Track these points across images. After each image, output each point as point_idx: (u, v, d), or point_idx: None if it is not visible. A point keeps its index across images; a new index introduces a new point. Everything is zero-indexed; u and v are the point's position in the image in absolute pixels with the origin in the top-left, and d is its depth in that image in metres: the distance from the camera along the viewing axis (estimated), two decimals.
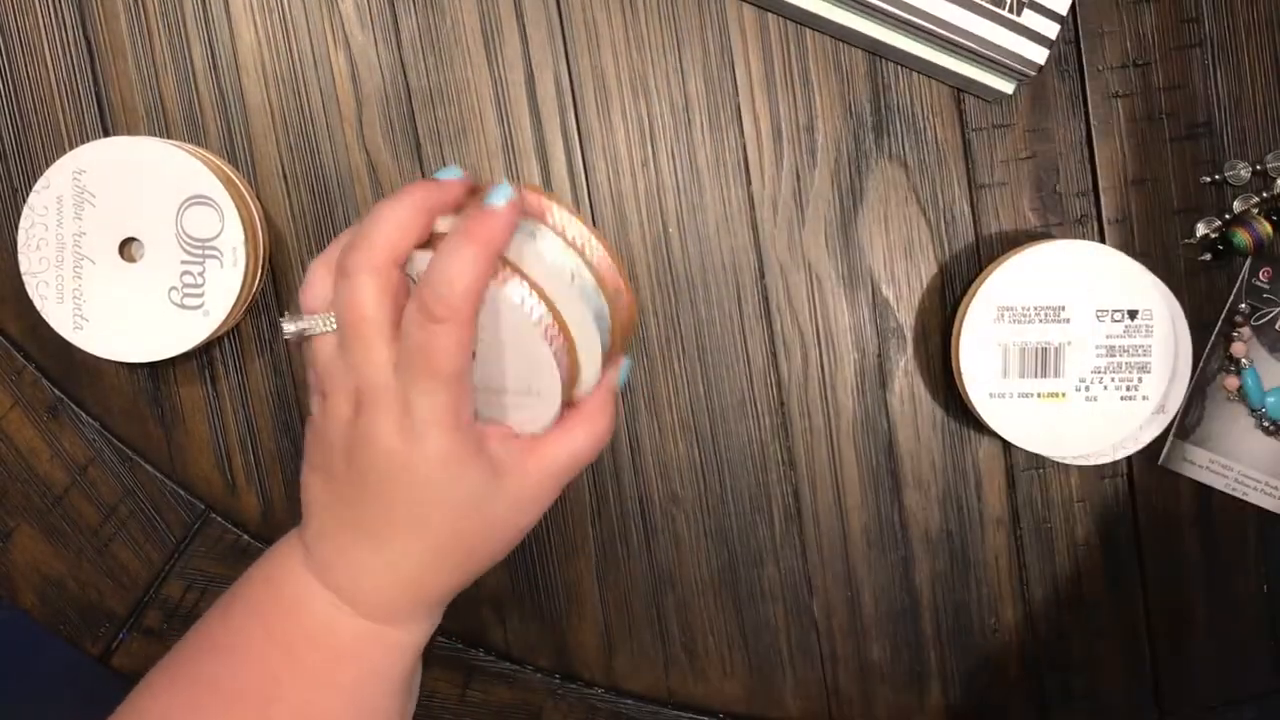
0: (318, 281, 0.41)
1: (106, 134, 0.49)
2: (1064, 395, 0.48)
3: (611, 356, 0.43)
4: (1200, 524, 0.52)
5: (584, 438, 0.43)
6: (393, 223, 0.39)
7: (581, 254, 0.41)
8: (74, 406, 0.50)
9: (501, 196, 0.40)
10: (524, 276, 0.40)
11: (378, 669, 0.41)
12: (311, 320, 0.41)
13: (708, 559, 0.52)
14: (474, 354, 0.40)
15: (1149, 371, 0.48)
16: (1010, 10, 0.46)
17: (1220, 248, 0.50)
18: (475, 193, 0.41)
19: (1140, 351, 0.48)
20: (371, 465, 0.39)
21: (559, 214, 0.41)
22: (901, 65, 0.50)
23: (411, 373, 0.38)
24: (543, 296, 0.41)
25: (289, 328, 0.41)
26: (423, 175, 0.50)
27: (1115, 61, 0.50)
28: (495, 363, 0.42)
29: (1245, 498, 0.51)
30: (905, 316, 0.51)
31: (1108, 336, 0.48)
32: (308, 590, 0.41)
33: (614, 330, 0.43)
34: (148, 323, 0.46)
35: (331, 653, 0.40)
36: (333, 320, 0.40)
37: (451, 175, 0.40)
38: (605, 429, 0.44)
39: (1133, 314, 0.48)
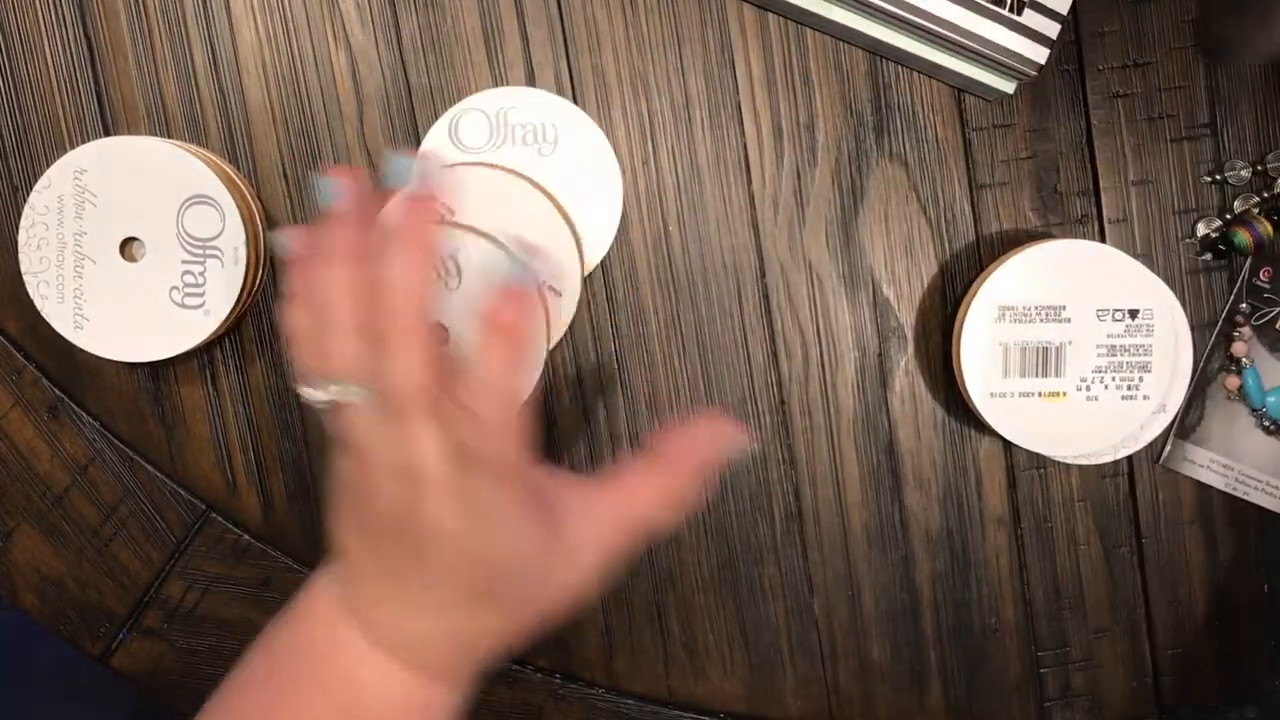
0: (346, 342, 0.37)
1: (107, 133, 0.49)
2: (1065, 395, 0.48)
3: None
4: (1201, 523, 0.52)
5: (645, 502, 0.39)
6: (415, 279, 0.36)
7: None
8: (74, 406, 0.50)
9: (404, 165, 0.37)
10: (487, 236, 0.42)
11: None
12: (342, 388, 0.37)
13: (708, 558, 0.52)
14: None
15: (1150, 371, 0.48)
16: (1011, 10, 0.46)
17: (1221, 247, 0.50)
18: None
19: (1141, 351, 0.48)
20: (430, 543, 0.36)
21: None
22: (902, 64, 0.50)
23: (474, 466, 0.36)
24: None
25: (315, 396, 0.37)
26: None
27: (1116, 61, 0.50)
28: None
29: (1246, 497, 0.51)
30: (906, 315, 0.51)
31: (1108, 336, 0.48)
32: (356, 651, 0.38)
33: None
34: (148, 322, 0.46)
35: (387, 713, 0.38)
36: (363, 390, 0.36)
37: (403, 166, 0.37)
38: (683, 499, 0.39)
39: (1133, 313, 0.48)
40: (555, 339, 0.46)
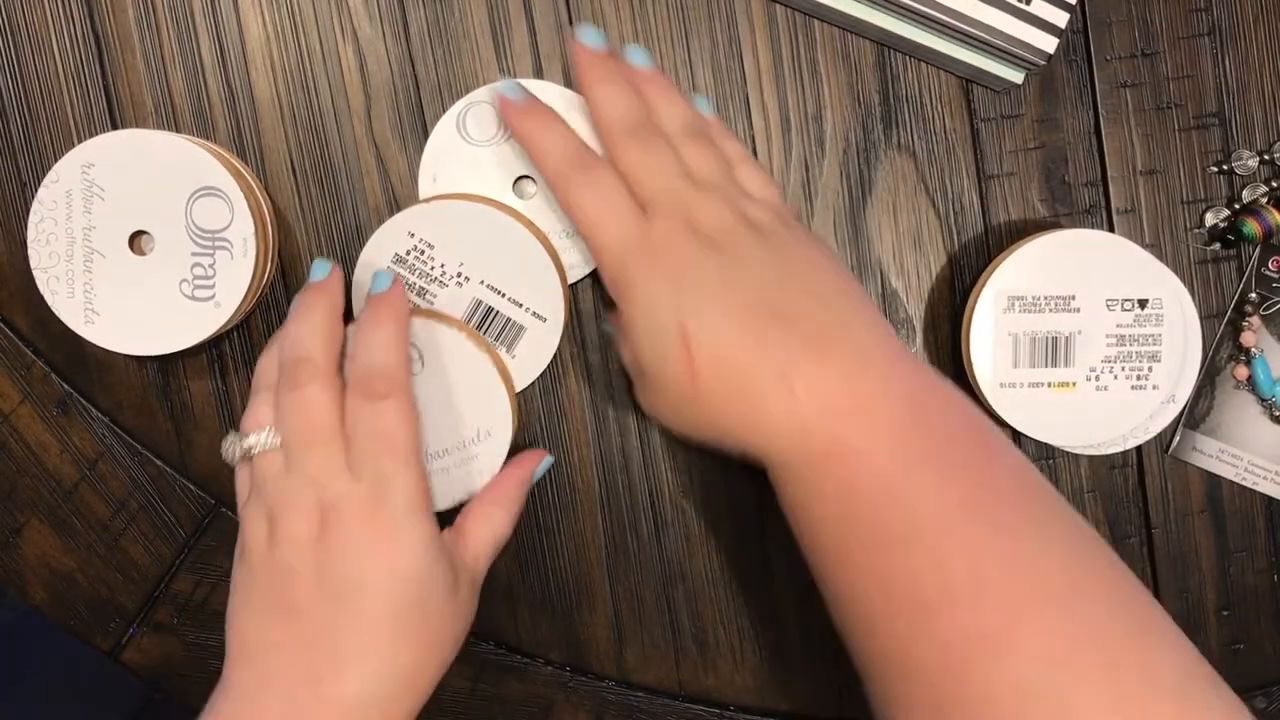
0: (261, 405, 0.42)
1: (115, 128, 0.49)
2: (1074, 385, 0.48)
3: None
4: (1210, 513, 0.52)
5: (503, 518, 0.44)
6: (321, 332, 0.41)
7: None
8: (83, 401, 0.50)
9: (385, 279, 0.43)
10: (450, 319, 0.44)
11: None
12: (257, 436, 0.41)
13: (718, 551, 0.51)
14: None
15: (1159, 361, 0.48)
16: None
17: (1229, 237, 0.50)
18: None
19: (1150, 341, 0.48)
20: (351, 578, 0.38)
21: None
22: (910, 55, 0.50)
23: (373, 461, 0.39)
24: (470, 334, 0.44)
25: (230, 449, 0.42)
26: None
27: (1124, 51, 0.50)
28: (447, 415, 0.44)
29: (1255, 487, 0.51)
30: (914, 307, 0.51)
31: (1118, 326, 0.48)
32: None
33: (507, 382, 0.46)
34: (159, 315, 0.46)
35: None
36: (278, 436, 0.40)
37: (324, 271, 0.43)
38: (519, 509, 0.45)
39: (1143, 303, 0.48)
40: (543, 364, 0.48)
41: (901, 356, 0.39)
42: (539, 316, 0.47)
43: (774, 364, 0.37)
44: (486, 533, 0.44)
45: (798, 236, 0.42)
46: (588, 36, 0.44)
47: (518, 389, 0.47)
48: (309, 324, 0.41)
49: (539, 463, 0.47)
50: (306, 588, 0.38)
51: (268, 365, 0.43)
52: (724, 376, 0.38)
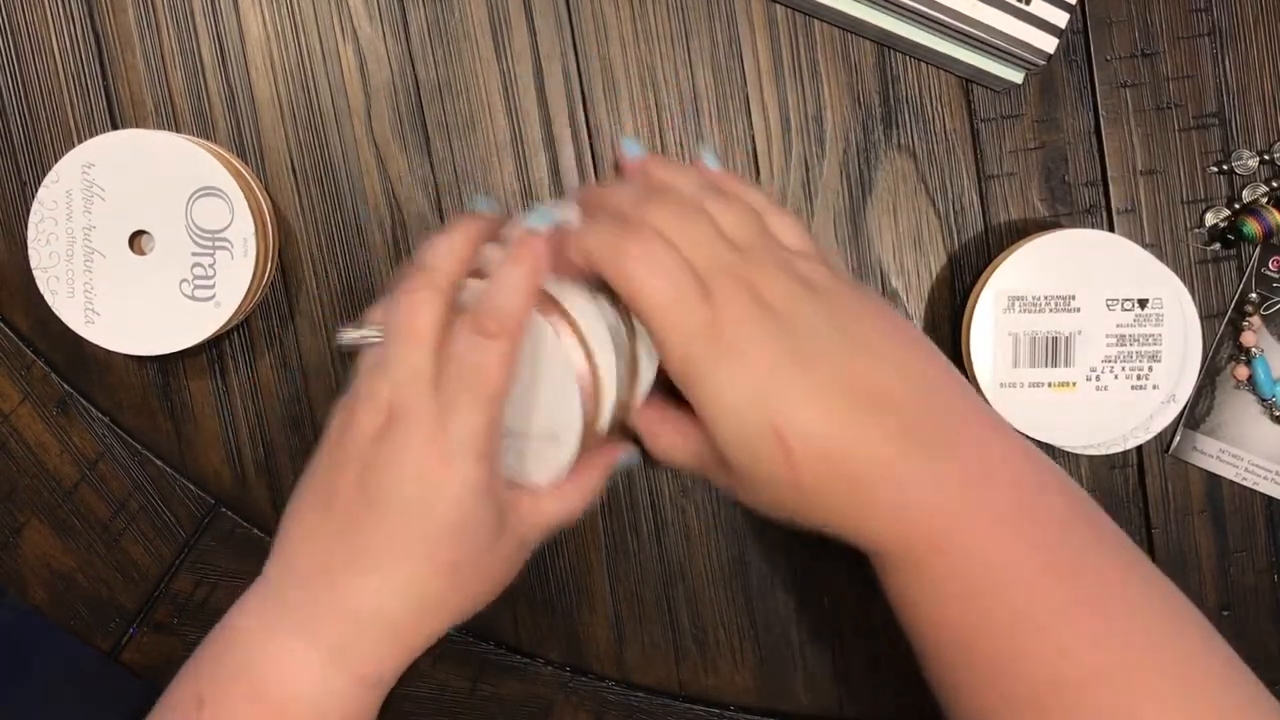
0: (382, 307, 0.41)
1: (115, 128, 0.49)
2: (1074, 385, 0.48)
3: (621, 417, 0.43)
4: (1210, 513, 0.52)
5: (577, 501, 0.43)
6: (447, 248, 0.40)
7: (620, 310, 0.41)
8: (83, 401, 0.50)
9: (542, 219, 0.41)
10: (565, 314, 0.40)
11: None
12: (369, 330, 0.40)
13: (718, 551, 0.52)
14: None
15: (1159, 360, 0.48)
16: None
17: (1229, 237, 0.50)
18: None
19: (1150, 340, 0.48)
20: (390, 486, 0.38)
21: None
22: (910, 55, 0.50)
23: (455, 390, 0.38)
24: (580, 338, 0.41)
25: (345, 336, 0.41)
26: (430, 169, 0.50)
27: (1124, 51, 0.50)
28: (524, 400, 0.41)
29: (1256, 487, 0.51)
30: (915, 307, 0.51)
31: (1118, 325, 0.48)
32: (292, 660, 0.38)
33: (629, 390, 0.42)
34: (160, 315, 0.46)
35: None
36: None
37: (486, 206, 0.42)
38: (594, 497, 0.44)
39: (1143, 303, 0.48)
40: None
41: (995, 431, 0.39)
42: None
43: (874, 454, 0.37)
44: (554, 507, 0.42)
45: (851, 289, 0.41)
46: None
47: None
48: (447, 242, 0.40)
49: (622, 455, 0.45)
50: (349, 482, 0.38)
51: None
52: (826, 472, 0.37)
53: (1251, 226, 0.50)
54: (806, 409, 0.37)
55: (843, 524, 0.38)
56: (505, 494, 0.40)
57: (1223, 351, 0.51)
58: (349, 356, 0.44)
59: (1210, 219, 0.51)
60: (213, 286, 0.46)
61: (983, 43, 0.47)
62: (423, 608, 0.39)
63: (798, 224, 0.43)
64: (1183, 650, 0.36)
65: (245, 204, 0.46)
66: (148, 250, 0.47)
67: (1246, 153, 0.50)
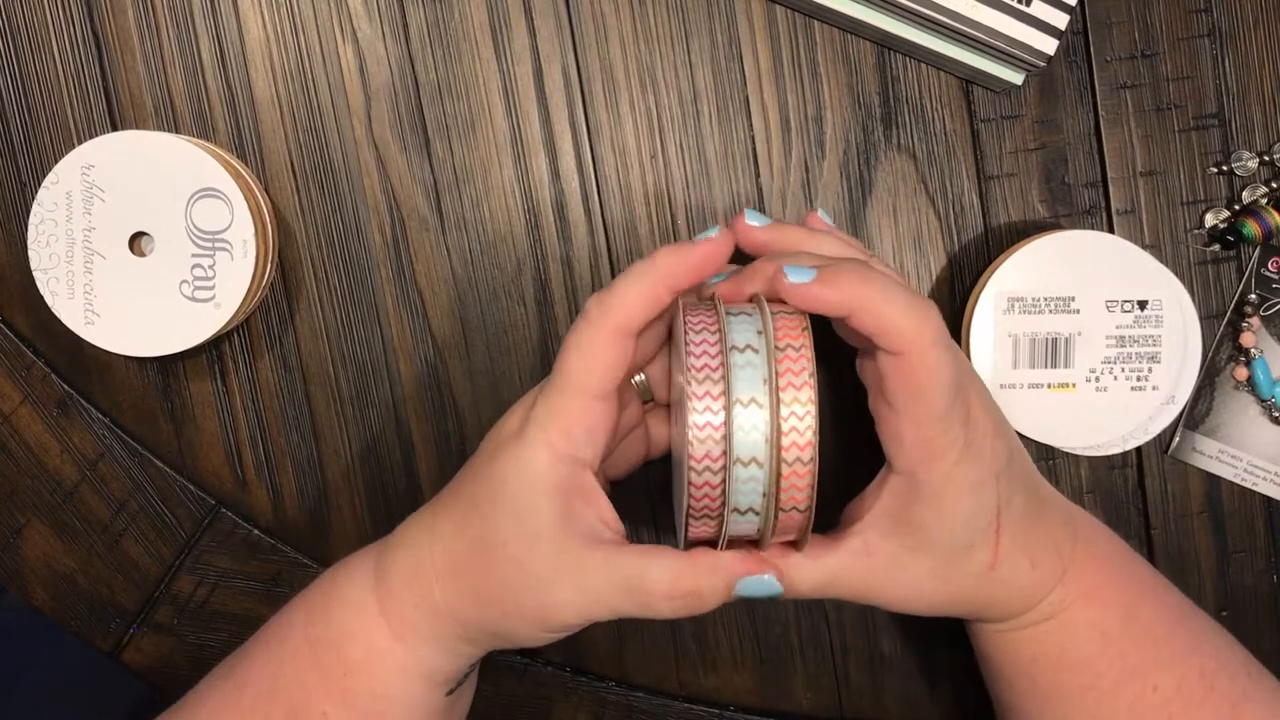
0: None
1: (114, 129, 0.49)
2: (1074, 386, 0.48)
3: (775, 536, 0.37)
4: (1210, 514, 0.52)
5: (659, 574, 0.36)
6: (635, 290, 0.36)
7: (780, 422, 0.35)
8: (83, 402, 0.50)
9: (711, 233, 0.37)
10: (725, 399, 0.35)
11: (387, 685, 0.40)
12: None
13: None
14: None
15: (1159, 362, 0.48)
16: (1019, 1, 0.46)
17: (1229, 238, 0.50)
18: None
19: (1150, 342, 0.48)
20: (479, 450, 0.40)
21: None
22: (910, 56, 0.50)
23: (552, 369, 0.38)
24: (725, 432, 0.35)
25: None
26: (430, 170, 0.50)
27: (1124, 52, 0.50)
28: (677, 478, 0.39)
29: (1255, 488, 0.52)
30: None
31: (1117, 327, 0.48)
32: (350, 587, 0.41)
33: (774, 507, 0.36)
34: (160, 316, 0.46)
35: (346, 660, 0.40)
36: None
37: (709, 235, 0.37)
38: (694, 592, 0.36)
39: (1142, 304, 0.48)
40: None
41: (1084, 518, 0.44)
42: None
43: (1030, 547, 0.40)
44: (632, 562, 0.36)
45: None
46: (753, 219, 0.43)
47: None
48: (633, 281, 0.36)
49: (751, 572, 0.37)
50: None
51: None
52: (1012, 564, 0.39)
53: (1251, 227, 0.50)
54: (1015, 498, 0.39)
55: (978, 607, 0.41)
56: (585, 515, 0.37)
57: (1222, 352, 0.51)
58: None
59: (1210, 220, 0.51)
60: (212, 287, 0.46)
61: (983, 44, 0.47)
62: (446, 571, 0.39)
63: None
64: (1252, 690, 0.41)
65: (245, 205, 0.46)
66: (148, 251, 0.47)
67: (1246, 154, 0.50)
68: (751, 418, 0.35)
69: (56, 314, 0.46)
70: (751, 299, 0.39)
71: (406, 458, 0.51)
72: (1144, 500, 0.52)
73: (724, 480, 0.35)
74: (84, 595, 0.51)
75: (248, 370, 0.50)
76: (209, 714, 0.41)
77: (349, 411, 0.51)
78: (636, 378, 0.44)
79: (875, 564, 0.38)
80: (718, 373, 0.35)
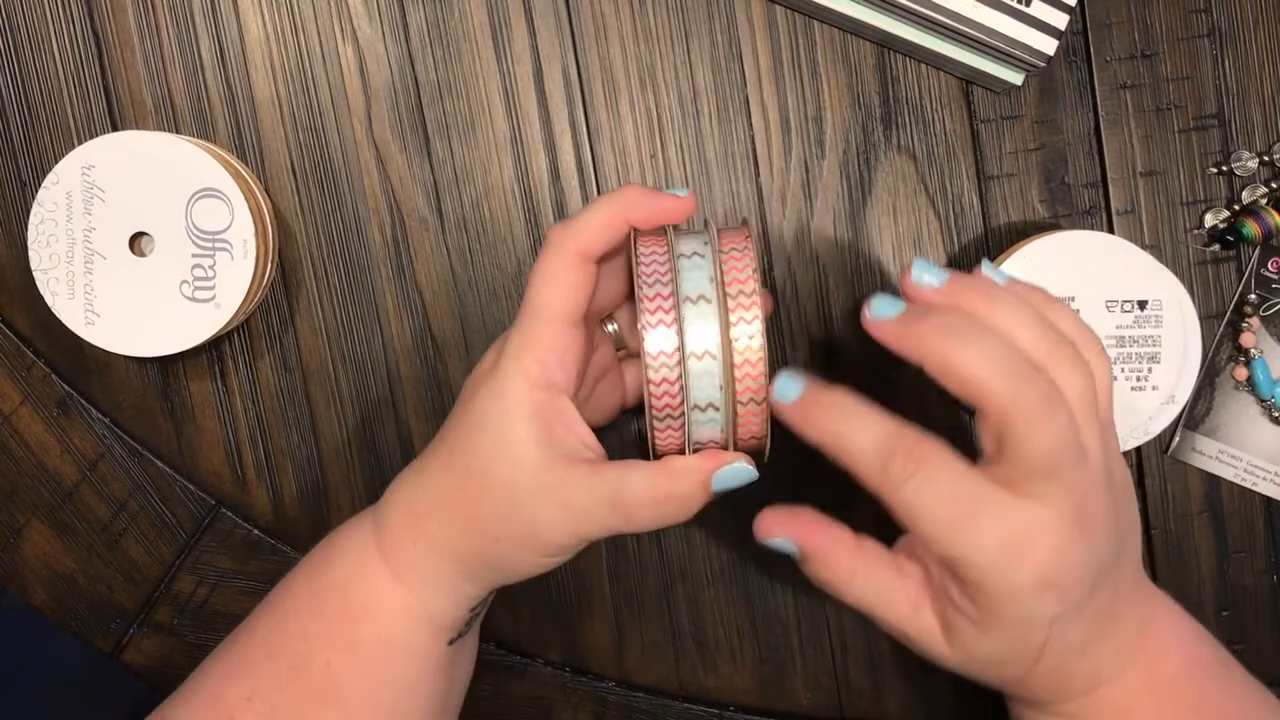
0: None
1: (115, 129, 0.49)
2: None
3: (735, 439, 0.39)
4: (1209, 514, 0.52)
5: (640, 485, 0.37)
6: (598, 217, 0.38)
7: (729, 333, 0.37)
8: (83, 402, 0.50)
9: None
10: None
11: (390, 629, 0.40)
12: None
13: (718, 552, 0.52)
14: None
15: (1159, 362, 0.48)
16: (1019, 1, 0.46)
17: (1229, 238, 0.50)
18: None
19: (1150, 342, 0.48)
20: (459, 396, 0.40)
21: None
22: (910, 56, 0.50)
23: (520, 307, 0.39)
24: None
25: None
26: (430, 170, 0.50)
27: (1123, 52, 0.50)
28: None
29: (1255, 488, 0.52)
30: None
31: (1117, 327, 0.48)
32: (350, 539, 0.41)
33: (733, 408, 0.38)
34: (160, 316, 0.46)
35: (350, 606, 0.40)
36: None
37: (676, 192, 0.39)
38: (672, 496, 0.38)
39: (1142, 304, 0.48)
40: None
41: (1154, 598, 0.41)
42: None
43: (1082, 644, 0.38)
44: (611, 477, 0.37)
45: (1114, 431, 0.40)
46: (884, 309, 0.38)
47: None
48: (594, 207, 0.38)
49: (725, 465, 0.39)
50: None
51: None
52: (1075, 622, 0.37)
53: (1251, 228, 0.50)
54: (1077, 624, 0.37)
55: (1018, 686, 0.39)
56: (563, 437, 0.38)
57: (1222, 352, 0.51)
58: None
59: (1210, 220, 0.51)
60: (213, 288, 0.46)
61: (982, 44, 0.47)
62: (438, 507, 0.39)
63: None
64: None
65: (245, 205, 0.46)
66: (148, 252, 0.47)
67: (1246, 154, 0.50)
68: (702, 312, 0.37)
69: (56, 314, 0.46)
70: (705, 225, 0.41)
71: (406, 458, 0.51)
72: (1144, 500, 0.52)
73: (681, 375, 0.37)
74: (84, 595, 0.51)
75: (248, 370, 0.50)
76: (214, 682, 0.41)
77: (349, 411, 0.51)
78: (610, 326, 0.45)
79: (906, 585, 0.39)
80: (666, 275, 0.37)
